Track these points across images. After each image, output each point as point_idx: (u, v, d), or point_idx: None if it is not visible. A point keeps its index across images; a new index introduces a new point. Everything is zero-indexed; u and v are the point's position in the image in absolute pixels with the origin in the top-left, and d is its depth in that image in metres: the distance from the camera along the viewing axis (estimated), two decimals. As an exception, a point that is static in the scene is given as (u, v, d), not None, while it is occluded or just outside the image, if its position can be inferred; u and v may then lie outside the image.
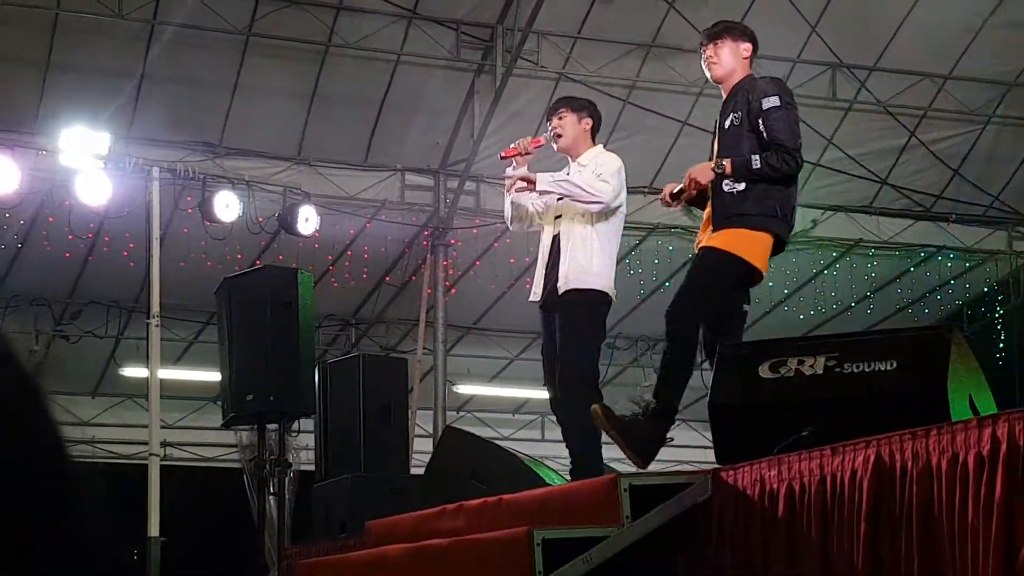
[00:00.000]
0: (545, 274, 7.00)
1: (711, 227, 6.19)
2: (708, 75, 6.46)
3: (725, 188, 6.11)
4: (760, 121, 6.09)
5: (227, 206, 12.80)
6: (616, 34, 13.61)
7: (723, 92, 6.42)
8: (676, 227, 15.08)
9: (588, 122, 7.10)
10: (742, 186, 6.08)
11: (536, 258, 7.25)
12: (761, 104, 6.09)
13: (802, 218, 15.17)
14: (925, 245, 15.85)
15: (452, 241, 14.59)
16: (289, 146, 13.80)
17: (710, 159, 6.30)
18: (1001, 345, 16.10)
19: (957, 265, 16.31)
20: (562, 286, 6.80)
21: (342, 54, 13.23)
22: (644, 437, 6.01)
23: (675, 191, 6.37)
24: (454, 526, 5.99)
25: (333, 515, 9.44)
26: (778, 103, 6.10)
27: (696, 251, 6.32)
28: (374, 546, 6.50)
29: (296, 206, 13.16)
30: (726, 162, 6.08)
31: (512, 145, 7.14)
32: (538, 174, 6.94)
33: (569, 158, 7.14)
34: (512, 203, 7.15)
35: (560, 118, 7.09)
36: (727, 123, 6.24)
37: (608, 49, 13.66)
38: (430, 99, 13.86)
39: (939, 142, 14.95)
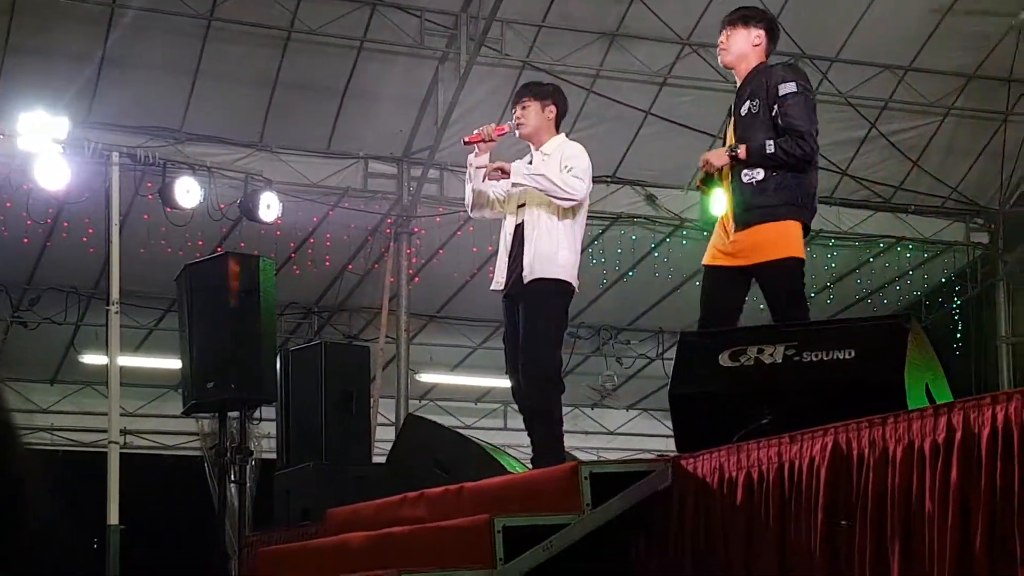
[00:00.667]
0: (508, 263, 6.98)
1: (733, 222, 6.19)
2: (720, 60, 6.50)
3: (744, 179, 6.14)
4: (776, 107, 6.12)
5: (188, 192, 12.74)
6: (580, 23, 13.62)
7: (737, 78, 6.43)
8: (639, 217, 15.14)
9: (552, 110, 7.06)
10: (761, 175, 6.10)
11: (498, 247, 7.24)
12: (778, 90, 6.13)
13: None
14: (884, 236, 15.96)
15: (415, 229, 14.57)
16: (251, 132, 13.74)
17: (724, 145, 6.35)
18: (958, 335, 16.22)
19: (916, 256, 16.42)
20: (527, 275, 6.78)
21: (305, 40, 13.18)
22: None
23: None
24: (415, 514, 6.01)
25: (295, 503, 9.44)
26: (795, 88, 6.15)
27: (730, 263, 6.28)
28: (335, 534, 6.51)
29: (258, 193, 13.11)
30: (740, 147, 6.11)
31: (476, 131, 7.13)
32: (513, 164, 6.92)
33: (532, 146, 7.13)
34: (473, 190, 7.14)
35: (524, 107, 7.07)
36: (743, 110, 6.26)
37: (572, 38, 13.67)
38: (393, 86, 13.83)
39: (899, 133, 15.04)
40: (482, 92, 13.60)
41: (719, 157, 6.19)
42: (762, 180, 6.10)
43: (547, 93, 7.16)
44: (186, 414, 10.79)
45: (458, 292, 16.17)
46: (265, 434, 15.65)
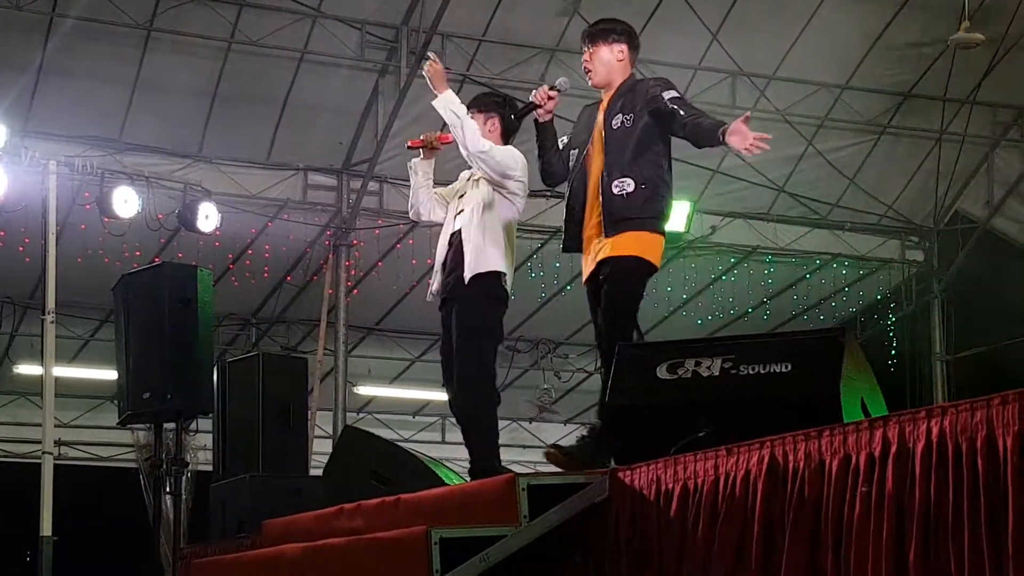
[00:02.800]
0: (443, 270, 6.95)
1: (601, 233, 6.13)
2: (588, 83, 6.43)
3: (615, 190, 6.08)
4: (674, 109, 6.05)
5: (126, 202, 12.66)
6: (521, 38, 13.66)
7: (603, 95, 6.37)
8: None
9: (495, 124, 7.00)
10: (631, 187, 6.06)
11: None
12: (663, 96, 6.08)
13: (701, 224, 15.43)
14: (821, 253, 16.11)
15: (355, 242, 14.55)
16: (190, 143, 13.68)
17: (581, 167, 6.27)
18: (893, 352, 16.39)
19: (851, 273, 16.58)
20: (467, 274, 6.71)
21: (245, 51, 13.14)
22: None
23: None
24: (352, 525, 5.99)
25: (230, 515, 9.38)
26: (678, 93, 6.15)
27: (590, 263, 6.21)
28: (271, 545, 6.48)
29: (196, 203, 13.05)
30: (722, 131, 5.94)
31: (420, 136, 7.16)
32: (446, 92, 6.88)
33: None
34: (414, 192, 7.15)
35: (472, 116, 7.07)
36: (615, 124, 6.19)
37: (513, 52, 13.71)
38: (334, 99, 13.81)
39: (835, 151, 15.18)
40: (422, 105, 13.48)
41: (744, 133, 5.98)
42: (632, 192, 6.07)
43: (490, 105, 7.10)
44: (122, 425, 10.69)
45: (397, 305, 16.16)
46: (201, 446, 15.54)
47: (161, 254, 13.76)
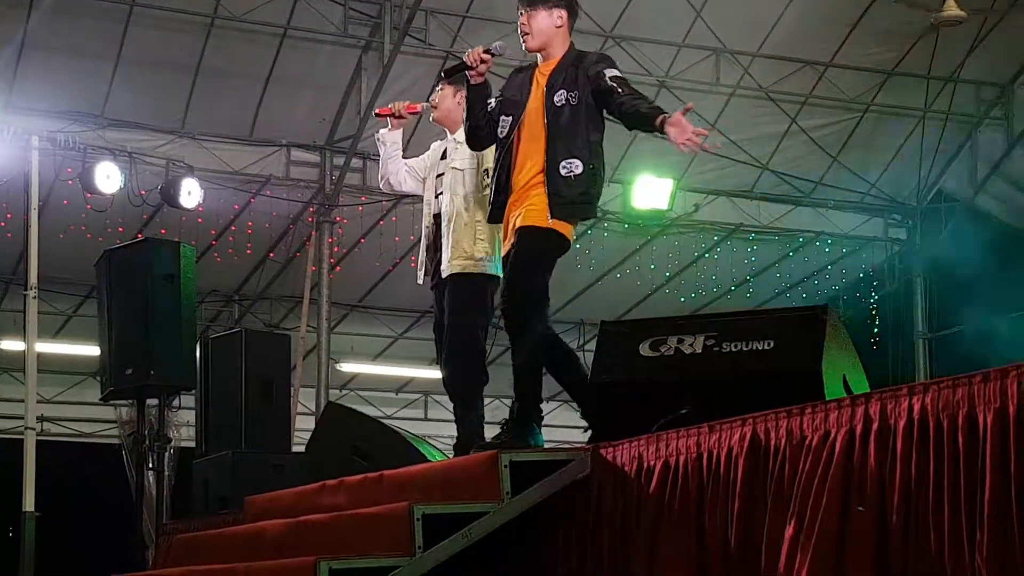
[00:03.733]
0: (428, 255, 6.98)
1: (545, 208, 5.87)
2: (523, 46, 6.17)
3: (563, 172, 5.85)
4: (613, 87, 5.83)
5: (108, 177, 12.63)
6: (504, 15, 13.60)
7: (540, 62, 6.12)
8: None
9: (464, 97, 6.98)
10: (580, 170, 5.84)
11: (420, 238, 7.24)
12: (604, 75, 5.86)
13: (684, 202, 15.44)
14: (803, 231, 16.13)
15: (337, 218, 14.52)
16: (173, 118, 13.64)
17: (513, 140, 6.02)
18: (876, 330, 16.42)
19: (835, 251, 16.60)
20: (445, 271, 6.77)
21: (228, 27, 13.09)
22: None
23: None
24: (334, 502, 5.99)
25: (213, 491, 9.38)
26: (619, 72, 5.94)
27: (508, 227, 6.00)
28: (253, 521, 6.48)
29: (179, 179, 13.02)
30: (662, 117, 5.69)
31: (388, 105, 7.17)
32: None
33: (447, 131, 7.12)
34: (384, 162, 7.17)
35: (439, 91, 7.09)
36: (558, 100, 5.94)
37: (496, 29, 13.62)
38: (317, 75, 13.77)
39: (819, 129, 15.19)
40: (405, 81, 13.57)
41: (683, 126, 5.64)
42: (580, 175, 5.85)
43: (461, 79, 7.08)
44: (104, 401, 10.67)
45: (380, 282, 16.14)
46: (184, 422, 15.54)
47: (144, 230, 13.72)
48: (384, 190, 7.46)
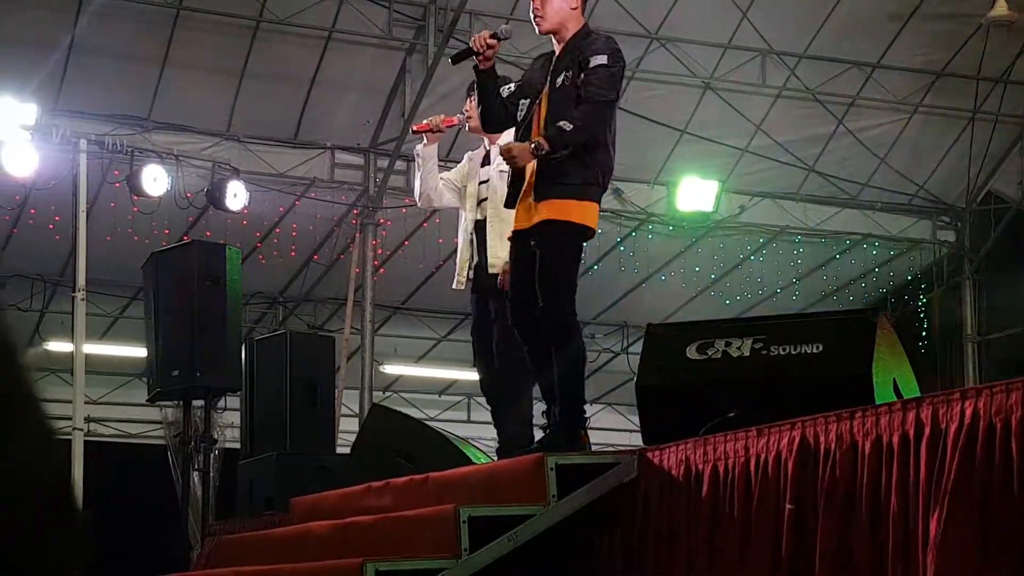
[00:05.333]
0: (470, 261, 6.96)
1: (532, 197, 5.86)
2: (535, 29, 6.09)
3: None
4: (583, 76, 5.79)
5: (155, 180, 12.68)
6: (549, 16, 13.60)
7: (555, 47, 6.07)
8: (605, 211, 15.08)
9: None
10: (567, 150, 5.74)
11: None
12: (589, 61, 5.80)
13: (729, 203, 15.37)
14: (850, 233, 16.02)
15: (381, 220, 14.54)
16: (218, 121, 13.69)
17: (531, 120, 5.96)
18: (924, 333, 16.30)
19: (882, 253, 16.49)
20: (491, 268, 6.76)
21: (273, 30, 13.13)
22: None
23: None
24: (380, 503, 5.99)
25: (258, 492, 9.40)
26: (605, 61, 5.81)
27: (523, 227, 5.93)
28: (299, 523, 6.49)
29: (225, 181, 13.06)
30: (542, 141, 5.68)
31: (425, 121, 7.13)
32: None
33: (486, 140, 7.08)
34: (422, 179, 7.15)
35: (471, 100, 7.02)
36: (559, 81, 5.90)
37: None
38: (361, 77, 13.80)
39: (866, 130, 15.09)
40: (450, 84, 13.54)
41: (523, 155, 5.73)
42: (567, 154, 5.74)
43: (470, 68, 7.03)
44: (151, 402, 10.73)
45: (423, 284, 16.14)
46: (229, 423, 15.57)
47: (190, 232, 13.79)
48: (422, 206, 7.43)
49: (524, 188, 5.92)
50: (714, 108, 14.50)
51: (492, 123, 6.29)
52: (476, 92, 6.27)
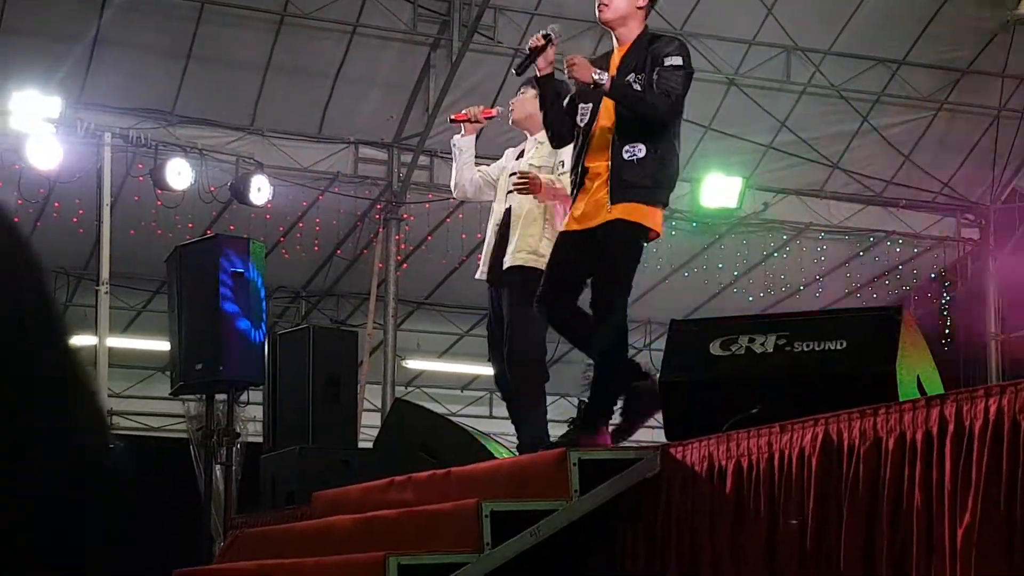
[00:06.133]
0: (493, 250, 6.96)
1: (607, 193, 5.82)
2: (597, 16, 6.04)
3: (625, 155, 5.79)
4: (656, 73, 5.77)
5: (179, 174, 12.71)
6: (573, 12, 13.57)
7: (615, 42, 6.04)
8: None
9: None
10: (643, 153, 5.77)
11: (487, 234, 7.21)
12: (663, 60, 5.79)
13: (753, 200, 15.34)
14: (875, 230, 15.98)
15: (404, 216, 14.56)
16: (243, 116, 13.71)
17: (594, 126, 5.94)
18: (948, 330, 16.24)
19: (906, 251, 16.44)
20: (507, 263, 6.75)
21: (297, 24, 13.15)
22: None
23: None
24: (402, 498, 6.00)
25: (280, 486, 9.41)
26: (680, 63, 5.81)
27: (585, 227, 5.90)
28: (321, 517, 6.50)
29: (249, 176, 13.09)
30: (607, 79, 5.68)
31: (464, 111, 7.12)
32: (543, 177, 6.74)
33: (527, 133, 7.10)
34: (458, 170, 7.14)
35: (521, 94, 7.03)
36: (626, 83, 5.84)
37: (565, 26, 13.49)
38: (385, 72, 13.81)
39: (891, 128, 15.05)
40: (474, 79, 13.58)
41: (584, 69, 5.68)
42: (643, 158, 5.78)
43: (533, 74, 7.04)
44: (174, 395, 10.75)
45: (446, 279, 16.16)
46: (251, 417, 15.59)
47: (213, 226, 13.81)
48: (458, 198, 7.43)
49: (590, 186, 5.90)
50: (739, 104, 14.47)
51: (558, 137, 6.24)
52: (539, 103, 6.24)
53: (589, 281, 6.01)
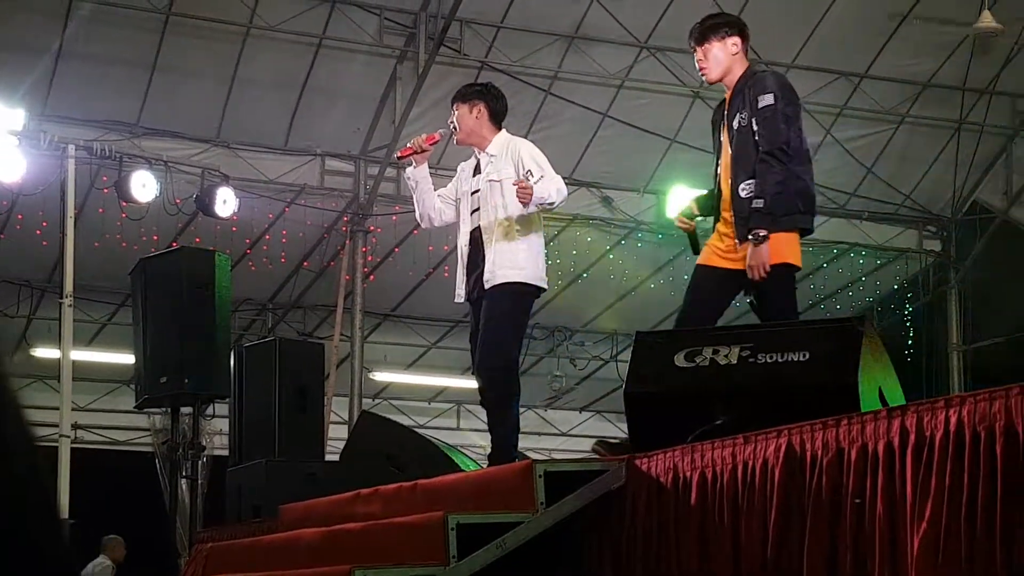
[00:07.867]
0: (467, 273, 6.93)
1: (735, 238, 6.05)
2: (703, 80, 6.38)
3: (743, 194, 5.98)
4: (755, 121, 6.00)
5: (144, 186, 12.67)
6: (539, 24, 13.65)
7: (726, 89, 6.27)
8: (594, 218, 15.19)
9: (480, 110, 6.91)
10: (786, 216, 5.97)
11: (454, 249, 7.20)
12: (757, 102, 6.00)
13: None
14: (838, 242, 16.07)
15: (371, 228, 14.56)
16: (208, 128, 13.70)
17: (718, 156, 6.27)
18: (910, 342, 16.35)
19: (868, 262, 16.55)
20: (488, 281, 6.74)
21: (263, 36, 13.14)
22: None
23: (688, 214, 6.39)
24: (369, 510, 6.00)
25: (246, 499, 9.41)
26: (771, 101, 6.00)
27: (726, 267, 6.15)
28: (288, 530, 6.50)
29: (214, 188, 13.06)
30: (757, 232, 5.89)
31: (408, 144, 7.10)
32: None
33: (476, 149, 7.07)
34: (418, 200, 7.12)
35: (454, 112, 7.00)
36: (735, 123, 6.10)
37: (531, 39, 13.69)
38: (352, 84, 13.82)
39: (853, 140, 15.15)
40: (440, 92, 13.58)
41: (761, 261, 5.89)
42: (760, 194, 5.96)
43: (472, 94, 7.00)
44: (139, 409, 10.73)
45: (413, 291, 16.17)
46: (217, 430, 15.55)
47: (179, 238, 13.79)
48: (425, 227, 7.43)
49: (717, 230, 6.22)
50: (704, 117, 14.49)
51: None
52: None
53: None
